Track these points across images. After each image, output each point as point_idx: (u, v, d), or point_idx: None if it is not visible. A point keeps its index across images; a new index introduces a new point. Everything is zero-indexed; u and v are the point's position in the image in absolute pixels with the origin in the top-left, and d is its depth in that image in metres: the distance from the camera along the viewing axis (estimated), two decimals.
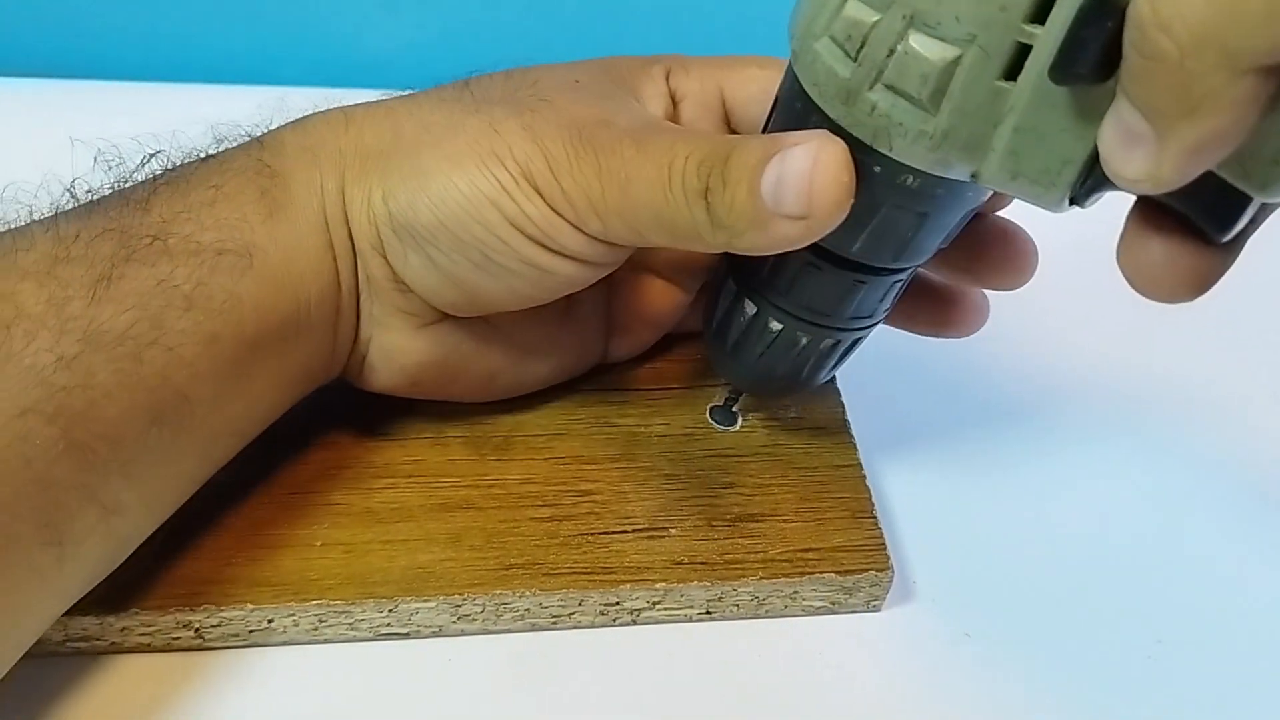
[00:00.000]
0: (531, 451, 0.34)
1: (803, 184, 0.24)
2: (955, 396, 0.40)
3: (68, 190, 0.28)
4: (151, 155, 0.29)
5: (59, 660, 0.29)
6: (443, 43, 0.58)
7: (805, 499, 0.33)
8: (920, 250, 0.27)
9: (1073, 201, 0.23)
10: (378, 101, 0.30)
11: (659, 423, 0.35)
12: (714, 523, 0.32)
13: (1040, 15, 0.20)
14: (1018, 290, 0.44)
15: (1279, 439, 0.39)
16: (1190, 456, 0.38)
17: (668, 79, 0.31)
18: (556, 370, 0.35)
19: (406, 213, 0.28)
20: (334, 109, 0.30)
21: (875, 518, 0.33)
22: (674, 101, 0.31)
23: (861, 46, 0.23)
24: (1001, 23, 0.21)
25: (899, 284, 0.29)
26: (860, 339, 0.30)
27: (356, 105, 0.30)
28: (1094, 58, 0.19)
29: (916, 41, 0.22)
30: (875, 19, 0.22)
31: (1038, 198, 0.23)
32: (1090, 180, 0.22)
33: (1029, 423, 0.39)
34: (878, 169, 0.24)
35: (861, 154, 0.24)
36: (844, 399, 0.36)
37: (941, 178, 0.24)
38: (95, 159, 0.29)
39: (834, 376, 0.37)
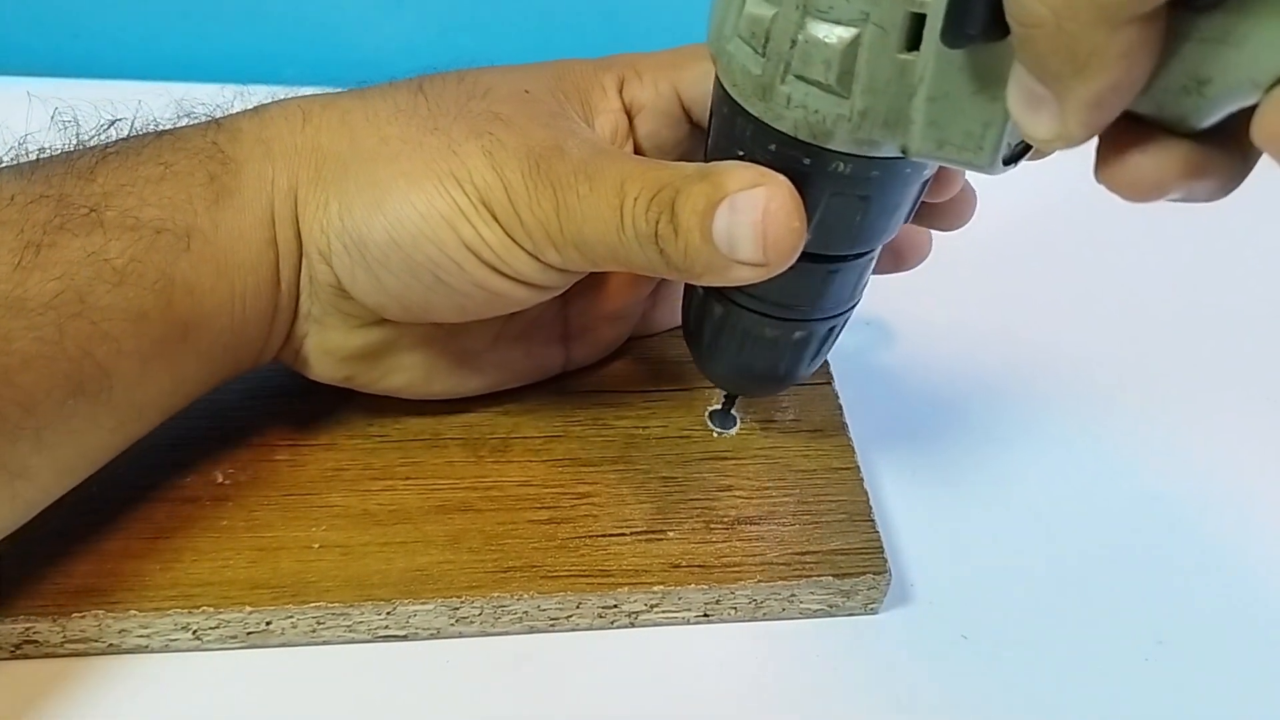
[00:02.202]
0: (529, 453, 0.34)
1: (755, 234, 0.24)
2: (953, 399, 0.40)
3: (17, 144, 0.28)
4: (112, 122, 0.29)
5: (57, 661, 0.29)
6: (443, 42, 0.58)
7: (803, 502, 0.33)
8: (875, 233, 0.27)
9: (1006, 163, 0.23)
10: (333, 98, 0.30)
11: (656, 425, 0.35)
12: (712, 525, 0.32)
13: None
14: (1018, 292, 0.45)
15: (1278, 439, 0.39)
16: (1189, 458, 0.38)
17: (621, 90, 0.31)
18: (504, 373, 0.35)
19: (360, 228, 0.28)
20: (292, 101, 0.30)
21: (873, 520, 0.33)
22: (630, 115, 0.31)
23: (766, 41, 0.23)
24: None
25: (863, 268, 0.28)
26: (835, 327, 0.30)
27: (314, 99, 0.30)
28: (982, 17, 0.19)
29: (814, 29, 0.22)
30: (773, 12, 0.22)
31: (969, 163, 0.23)
32: (1018, 140, 0.22)
33: (1026, 425, 0.39)
34: (807, 161, 0.24)
35: (789, 147, 0.24)
36: (842, 401, 0.36)
37: (872, 158, 0.24)
38: (51, 117, 0.29)
39: (831, 379, 0.37)
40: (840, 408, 0.36)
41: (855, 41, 0.22)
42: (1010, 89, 0.20)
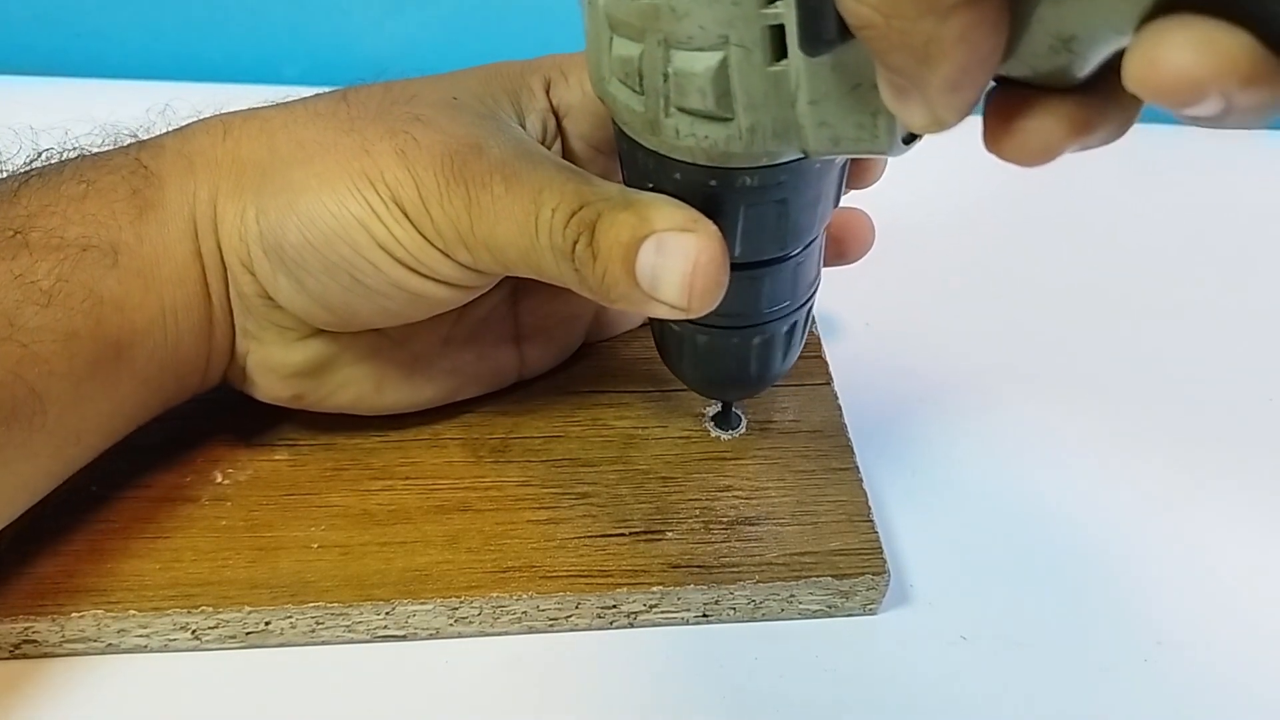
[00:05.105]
0: (529, 453, 0.34)
1: (683, 282, 0.24)
2: (952, 400, 0.39)
3: None
4: (40, 153, 0.30)
5: (56, 661, 0.29)
6: (444, 42, 0.58)
7: (802, 502, 0.33)
8: (804, 229, 0.27)
9: (906, 142, 0.22)
10: (256, 110, 0.30)
11: (656, 425, 0.35)
12: (711, 526, 0.32)
13: None
14: (1019, 292, 0.45)
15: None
16: (1191, 459, 0.38)
17: (548, 91, 0.31)
18: (457, 379, 0.34)
19: (276, 232, 0.27)
20: (215, 117, 0.30)
21: (872, 521, 0.32)
22: (558, 117, 0.31)
23: (641, 79, 0.23)
24: (742, 16, 0.21)
25: (805, 260, 0.28)
26: (796, 322, 0.29)
27: (236, 114, 0.30)
28: (833, 22, 0.19)
29: (680, 60, 0.22)
30: (639, 50, 0.22)
31: (870, 151, 0.22)
32: None
33: (1026, 425, 0.39)
34: (713, 182, 0.24)
35: (692, 174, 0.24)
36: (841, 402, 0.36)
37: (776, 165, 0.24)
38: None
39: (831, 379, 0.37)
40: (840, 408, 0.36)
41: (723, 64, 0.21)
42: (879, 83, 0.20)
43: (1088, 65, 0.19)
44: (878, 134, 0.22)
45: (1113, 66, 0.18)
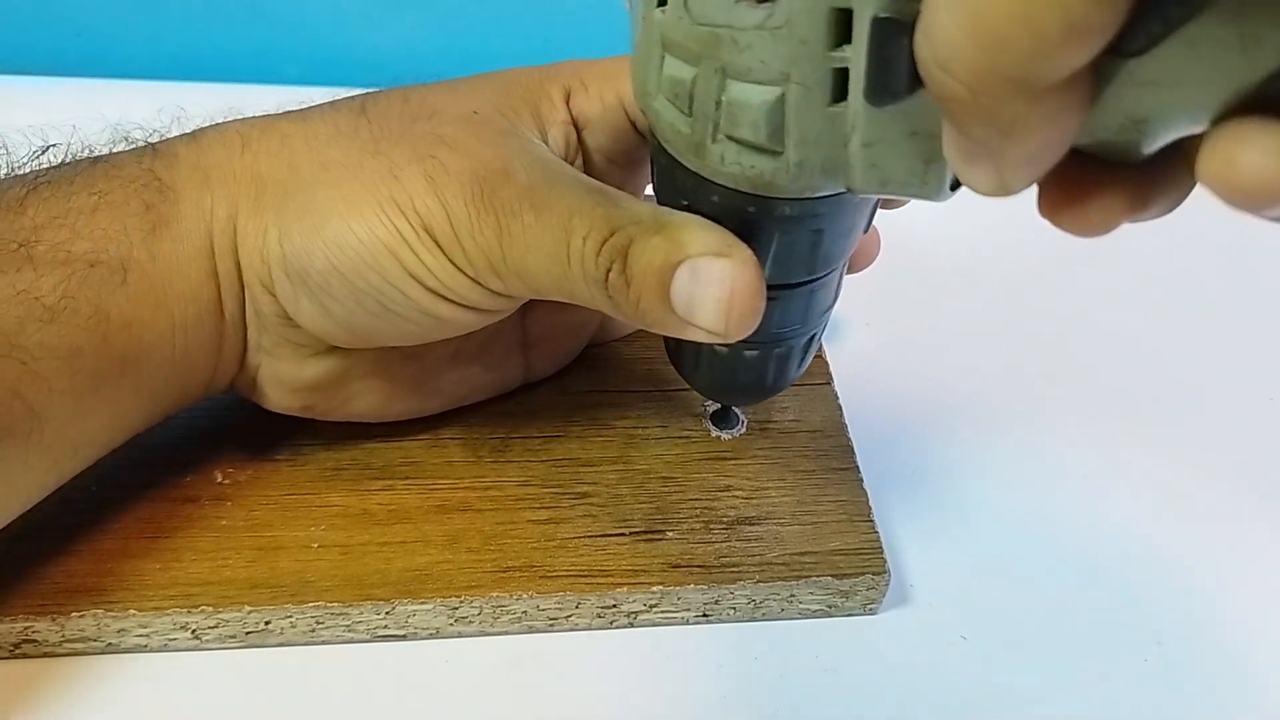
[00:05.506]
0: (529, 453, 0.34)
1: (719, 309, 0.24)
2: (953, 400, 0.40)
3: None
4: (45, 148, 0.29)
5: (55, 661, 0.29)
6: (445, 42, 0.58)
7: (802, 502, 0.33)
8: (834, 256, 0.27)
9: (954, 188, 0.22)
10: (273, 121, 0.29)
11: (656, 425, 0.35)
12: (711, 525, 0.32)
13: (847, 36, 0.20)
14: (1019, 292, 0.45)
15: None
16: (1190, 459, 0.38)
17: (568, 102, 0.30)
18: (465, 388, 0.34)
19: (301, 257, 0.27)
20: (230, 125, 0.29)
21: (872, 521, 0.33)
22: (577, 128, 0.30)
23: (691, 102, 0.22)
24: (808, 56, 0.20)
25: (830, 283, 0.28)
26: (815, 334, 0.29)
27: (253, 123, 0.29)
28: (905, 75, 0.19)
29: (736, 91, 0.21)
30: (693, 74, 0.22)
31: (916, 197, 0.22)
32: None
33: (1027, 425, 0.39)
34: (752, 209, 0.24)
35: (731, 198, 0.24)
36: (841, 402, 0.36)
37: (815, 198, 0.24)
38: None
39: (831, 379, 0.37)
40: (840, 408, 0.36)
41: (780, 100, 0.21)
42: (945, 141, 0.19)
43: (1154, 145, 0.18)
44: (927, 180, 0.21)
45: (1175, 146, 0.18)
